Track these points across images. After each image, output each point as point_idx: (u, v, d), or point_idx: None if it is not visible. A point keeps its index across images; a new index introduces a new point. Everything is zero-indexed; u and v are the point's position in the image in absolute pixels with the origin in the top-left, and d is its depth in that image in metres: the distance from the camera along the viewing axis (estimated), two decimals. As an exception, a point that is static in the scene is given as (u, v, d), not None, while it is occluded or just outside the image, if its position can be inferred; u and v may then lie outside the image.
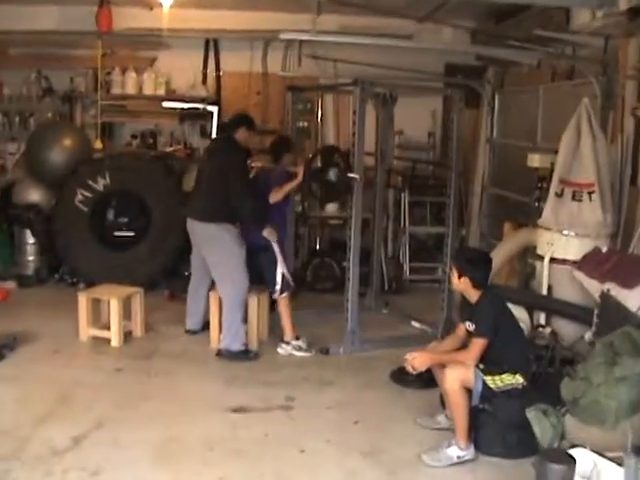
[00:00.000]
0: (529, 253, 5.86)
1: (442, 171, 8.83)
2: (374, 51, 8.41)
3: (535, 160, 5.63)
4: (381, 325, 6.82)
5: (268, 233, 5.74)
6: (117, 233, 8.02)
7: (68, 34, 8.27)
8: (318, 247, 8.39)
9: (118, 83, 8.50)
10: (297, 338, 5.88)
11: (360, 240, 5.88)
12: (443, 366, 4.15)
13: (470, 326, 4.18)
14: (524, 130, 7.60)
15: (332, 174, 5.83)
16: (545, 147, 6.88)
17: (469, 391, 4.03)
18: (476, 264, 4.13)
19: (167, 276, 7.58)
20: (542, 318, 5.23)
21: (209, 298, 5.97)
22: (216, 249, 5.71)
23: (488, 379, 4.00)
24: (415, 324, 6.79)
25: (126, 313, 6.08)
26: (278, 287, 5.81)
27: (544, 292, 5.23)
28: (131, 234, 7.97)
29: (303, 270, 7.96)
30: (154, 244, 7.57)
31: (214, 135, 7.93)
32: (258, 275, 5.96)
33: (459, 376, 3.97)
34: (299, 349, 5.85)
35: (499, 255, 5.47)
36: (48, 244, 7.73)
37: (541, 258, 5.28)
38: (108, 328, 5.92)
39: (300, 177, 5.78)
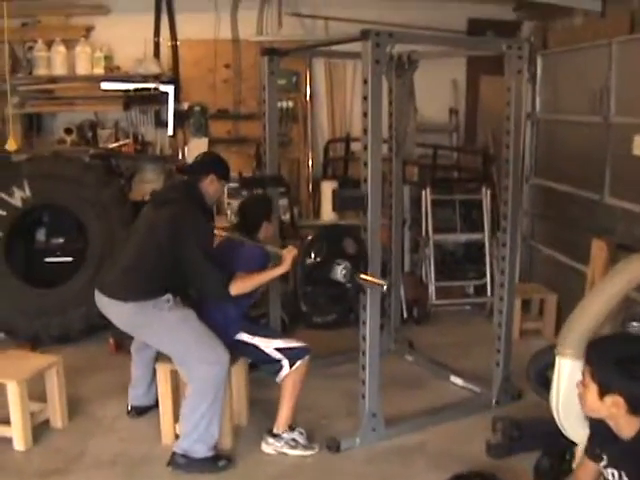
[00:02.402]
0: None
1: (469, 159, 6.94)
2: (376, 6, 6.50)
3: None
4: (408, 383, 4.88)
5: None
6: (49, 259, 6.07)
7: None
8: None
9: (43, 61, 6.40)
10: (291, 428, 3.93)
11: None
12: None
13: (615, 476, 2.23)
14: (584, 102, 5.62)
15: (340, 272, 3.66)
16: (622, 122, 4.98)
17: None
18: (635, 371, 2.15)
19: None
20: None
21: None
22: (153, 335, 3.84)
23: None
24: (457, 380, 4.84)
25: (41, 392, 4.15)
26: (285, 362, 3.87)
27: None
28: (68, 259, 6.02)
29: (295, 297, 5.99)
30: (93, 275, 5.59)
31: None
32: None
33: None
34: (294, 445, 3.89)
35: (602, 301, 3.47)
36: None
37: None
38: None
39: (286, 266, 3.74)
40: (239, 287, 3.73)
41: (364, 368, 3.88)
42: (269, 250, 3.97)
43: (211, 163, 4.08)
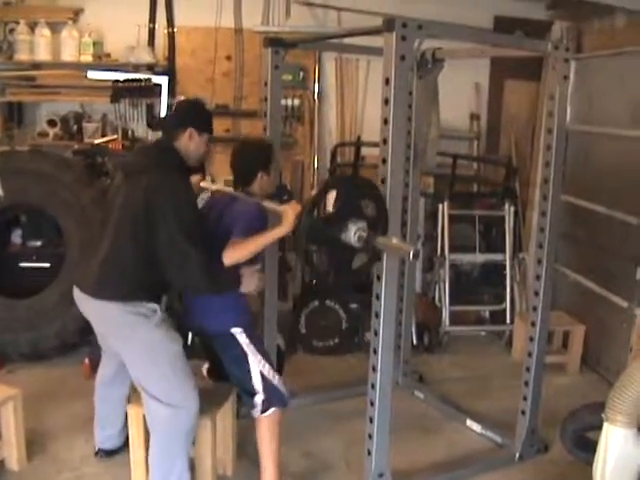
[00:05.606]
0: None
1: (490, 171, 6.37)
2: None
3: None
4: (418, 428, 4.29)
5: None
6: (24, 264, 5.48)
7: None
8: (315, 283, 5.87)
9: (25, 45, 5.80)
10: (283, 487, 3.36)
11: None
12: None
13: None
14: (626, 113, 5.05)
15: (353, 233, 2.90)
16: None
17: None
18: None
19: (88, 334, 5.02)
20: None
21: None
22: (128, 346, 3.18)
23: None
24: (474, 426, 4.26)
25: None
26: (259, 399, 3.27)
27: None
28: (45, 265, 5.43)
29: (295, 318, 5.44)
30: (69, 287, 4.99)
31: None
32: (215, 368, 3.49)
33: None
34: (286, 510, 3.32)
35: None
36: None
37: None
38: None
39: (287, 225, 3.01)
40: (234, 254, 3.06)
41: (372, 421, 3.28)
42: (266, 206, 3.24)
43: (188, 113, 3.34)
